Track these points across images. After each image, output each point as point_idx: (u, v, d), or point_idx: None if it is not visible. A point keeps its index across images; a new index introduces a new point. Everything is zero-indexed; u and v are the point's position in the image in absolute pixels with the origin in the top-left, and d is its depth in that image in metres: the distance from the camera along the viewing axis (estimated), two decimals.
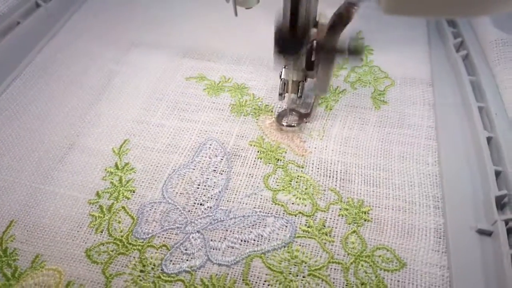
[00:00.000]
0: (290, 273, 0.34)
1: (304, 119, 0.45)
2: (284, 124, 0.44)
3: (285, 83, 0.42)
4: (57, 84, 0.51)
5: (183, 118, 0.46)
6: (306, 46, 0.39)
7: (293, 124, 0.44)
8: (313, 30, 0.39)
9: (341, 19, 0.34)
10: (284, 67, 0.42)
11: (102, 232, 0.37)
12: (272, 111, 0.47)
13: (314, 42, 0.39)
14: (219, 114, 0.47)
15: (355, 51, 0.36)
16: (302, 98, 0.43)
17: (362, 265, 0.34)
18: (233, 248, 0.35)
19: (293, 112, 0.45)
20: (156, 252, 0.35)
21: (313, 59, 0.41)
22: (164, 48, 0.56)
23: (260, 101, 0.48)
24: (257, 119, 0.46)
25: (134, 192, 0.40)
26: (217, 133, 0.45)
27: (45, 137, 0.45)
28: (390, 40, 0.55)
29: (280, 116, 0.45)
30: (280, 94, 0.43)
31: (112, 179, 0.41)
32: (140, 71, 0.53)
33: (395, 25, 0.58)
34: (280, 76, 0.42)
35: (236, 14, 0.39)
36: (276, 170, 0.41)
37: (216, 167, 0.41)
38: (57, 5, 0.60)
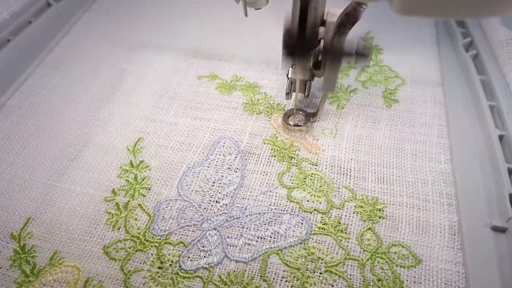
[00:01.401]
0: (307, 270, 0.34)
1: (311, 118, 0.45)
2: (291, 123, 0.44)
3: (292, 82, 0.43)
4: (69, 83, 0.51)
5: (196, 116, 0.47)
6: (314, 48, 0.39)
7: (300, 124, 0.44)
8: (321, 29, 0.39)
9: (348, 18, 0.34)
10: (291, 66, 0.42)
11: (119, 229, 0.37)
12: (284, 109, 0.47)
13: (322, 41, 0.40)
14: (232, 112, 0.47)
15: (363, 53, 0.36)
16: (309, 97, 0.43)
17: (378, 262, 0.35)
18: (249, 245, 0.36)
19: (300, 112, 0.45)
20: (173, 249, 0.36)
21: (320, 58, 0.41)
22: (174, 47, 0.56)
23: (273, 100, 0.48)
24: (269, 118, 0.46)
25: (149, 189, 0.40)
26: (230, 131, 0.45)
27: (59, 135, 0.45)
28: (399, 40, 0.56)
29: (286, 115, 0.45)
30: (287, 93, 0.43)
31: (127, 176, 0.41)
32: (151, 70, 0.53)
33: (403, 25, 0.58)
34: (287, 75, 0.42)
35: (246, 14, 0.39)
36: (290, 168, 0.41)
37: (231, 165, 0.42)
38: (68, 5, 0.60)
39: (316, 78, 0.44)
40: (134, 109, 0.48)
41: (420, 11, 0.27)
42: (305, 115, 0.45)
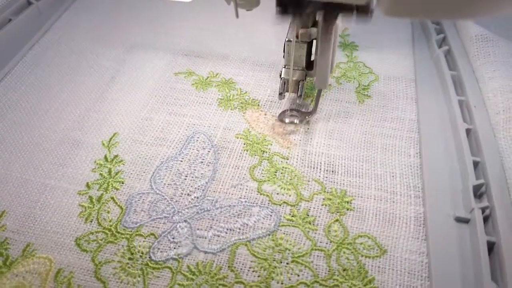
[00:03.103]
0: (274, 260, 0.35)
1: (307, 116, 0.45)
2: (287, 121, 0.45)
3: (285, 82, 0.43)
4: (48, 80, 0.52)
5: (172, 112, 0.47)
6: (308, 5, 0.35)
7: (295, 122, 0.45)
8: None
9: None
10: (284, 67, 0.43)
11: (91, 221, 0.38)
12: (258, 105, 0.48)
13: (314, 41, 0.39)
14: (207, 108, 0.48)
15: (364, 8, 0.32)
16: (302, 97, 0.44)
17: (344, 252, 0.35)
18: (219, 236, 0.36)
19: (295, 111, 0.45)
20: (144, 241, 0.36)
21: (312, 59, 0.40)
22: (152, 45, 0.57)
23: (247, 95, 0.49)
24: (244, 113, 0.47)
25: (123, 183, 0.40)
26: (204, 126, 0.46)
27: (35, 130, 0.45)
28: (374, 37, 0.57)
29: (282, 115, 0.45)
30: (280, 94, 0.43)
31: (101, 171, 0.42)
32: (129, 68, 0.53)
33: (379, 22, 0.59)
34: (280, 75, 0.43)
35: (237, 16, 0.39)
36: (261, 162, 0.42)
37: (203, 159, 0.42)
38: (48, 3, 0.60)
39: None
40: (111, 105, 0.48)
41: (406, 13, 0.27)
42: (300, 113, 0.45)
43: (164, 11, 0.63)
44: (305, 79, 0.43)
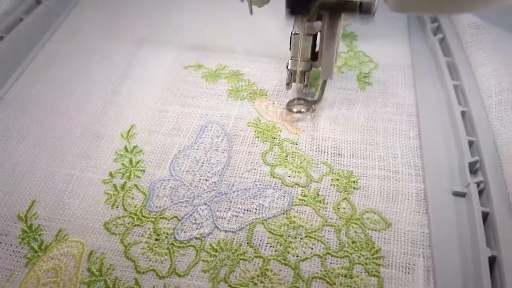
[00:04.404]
0: (289, 236, 0.38)
1: (313, 105, 0.48)
2: (295, 110, 0.47)
3: (291, 73, 0.46)
4: (62, 76, 0.54)
5: (185, 103, 0.50)
6: (315, 5, 0.38)
7: (302, 110, 0.47)
8: None
9: None
10: (291, 58, 0.45)
11: (117, 207, 0.40)
12: (266, 94, 0.51)
13: (318, 33, 0.42)
14: (218, 99, 0.51)
15: (367, 9, 0.35)
16: (308, 86, 0.46)
17: (352, 227, 0.39)
18: (237, 216, 0.40)
19: (302, 100, 0.48)
20: (168, 223, 0.39)
21: (317, 50, 0.43)
22: (162, 40, 0.59)
23: (255, 86, 0.52)
24: (253, 102, 0.50)
25: (144, 171, 0.43)
26: (217, 116, 0.49)
27: (56, 125, 0.48)
28: (373, 26, 0.59)
29: (289, 104, 0.48)
30: (288, 84, 0.46)
31: (123, 160, 0.44)
32: (140, 62, 0.56)
33: (377, 12, 0.61)
34: (287, 67, 0.46)
35: (251, 13, 0.41)
36: (272, 148, 0.45)
37: (218, 147, 0.45)
38: (56, 1, 0.62)
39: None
40: (126, 99, 0.51)
41: (413, 8, 0.29)
42: (307, 102, 0.48)
43: (169, 4, 0.65)
44: (311, 69, 0.46)
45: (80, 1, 0.66)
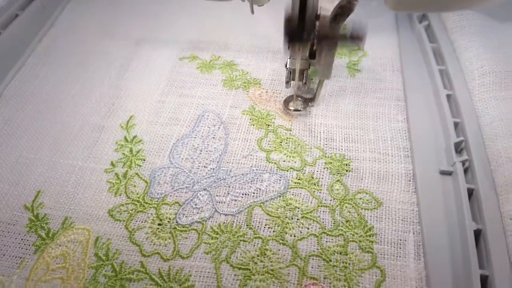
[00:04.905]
0: (286, 217, 0.40)
1: (309, 103, 0.49)
2: (291, 108, 0.49)
3: (290, 72, 0.47)
4: (60, 71, 0.55)
5: (181, 94, 0.52)
6: (312, 35, 0.42)
7: (299, 108, 0.49)
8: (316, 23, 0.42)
9: (343, 10, 0.37)
10: (289, 58, 0.46)
11: (120, 195, 0.42)
12: (260, 83, 0.52)
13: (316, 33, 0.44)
14: (213, 88, 0.52)
15: (357, 36, 0.39)
16: (306, 84, 0.48)
17: (346, 207, 0.41)
18: (236, 200, 0.41)
19: (299, 98, 0.49)
20: (170, 209, 0.41)
21: (315, 48, 0.45)
22: (155, 32, 0.61)
23: (249, 75, 0.53)
24: (247, 91, 0.51)
25: (144, 160, 0.45)
26: (213, 105, 0.50)
27: (57, 118, 0.49)
28: (361, 15, 0.61)
29: (287, 102, 0.49)
30: (287, 82, 0.47)
31: (123, 150, 0.46)
32: (136, 55, 0.57)
33: (364, 2, 0.63)
34: (286, 65, 0.47)
35: (252, 12, 0.42)
36: (267, 134, 0.47)
37: (215, 135, 0.47)
38: None
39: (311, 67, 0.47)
40: (123, 91, 0.52)
41: (411, 7, 0.30)
42: (304, 100, 0.49)
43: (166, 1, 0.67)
44: (309, 67, 0.47)
45: None
